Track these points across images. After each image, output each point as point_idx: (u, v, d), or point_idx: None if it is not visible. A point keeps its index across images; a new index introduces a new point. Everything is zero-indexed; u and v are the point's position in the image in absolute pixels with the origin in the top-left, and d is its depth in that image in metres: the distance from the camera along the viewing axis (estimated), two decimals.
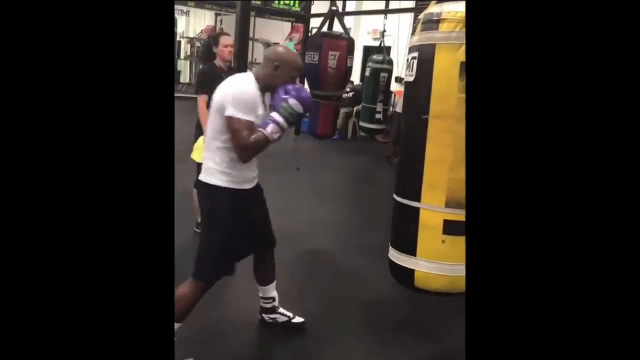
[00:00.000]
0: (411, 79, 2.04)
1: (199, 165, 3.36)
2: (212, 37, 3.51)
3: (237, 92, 1.90)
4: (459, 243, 1.84)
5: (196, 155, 3.25)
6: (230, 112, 1.86)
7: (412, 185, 2.02)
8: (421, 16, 2.01)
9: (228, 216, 1.96)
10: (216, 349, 2.23)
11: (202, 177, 1.99)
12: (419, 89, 1.99)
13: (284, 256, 2.36)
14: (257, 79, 1.96)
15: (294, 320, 2.40)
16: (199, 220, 3.49)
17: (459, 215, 1.85)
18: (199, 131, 3.26)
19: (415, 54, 2.01)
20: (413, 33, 2.07)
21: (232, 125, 1.86)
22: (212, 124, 1.96)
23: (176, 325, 1.97)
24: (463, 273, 1.88)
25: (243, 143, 1.85)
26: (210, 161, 1.97)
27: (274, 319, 2.39)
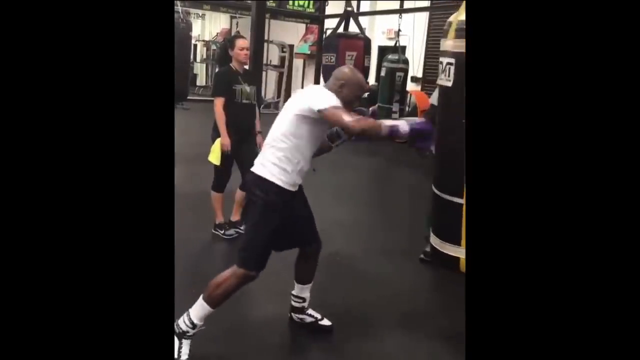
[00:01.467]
0: (449, 84, 2.19)
1: (216, 167, 3.38)
2: (228, 40, 3.53)
3: (320, 91, 2.08)
4: None
5: (213, 157, 3.26)
6: (321, 105, 1.96)
7: (453, 184, 2.19)
8: (452, 19, 2.06)
9: (277, 212, 2.07)
10: (244, 347, 2.25)
11: (260, 171, 2.07)
12: (457, 95, 2.11)
13: None
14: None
15: (321, 322, 2.44)
16: (217, 222, 3.52)
17: None
18: (216, 133, 3.27)
19: (452, 60, 2.14)
20: (445, 36, 2.17)
21: (330, 113, 1.96)
22: (279, 127, 2.06)
23: (209, 311, 2.05)
24: None
25: (346, 119, 1.94)
26: (273, 158, 2.06)
27: (301, 319, 2.44)
